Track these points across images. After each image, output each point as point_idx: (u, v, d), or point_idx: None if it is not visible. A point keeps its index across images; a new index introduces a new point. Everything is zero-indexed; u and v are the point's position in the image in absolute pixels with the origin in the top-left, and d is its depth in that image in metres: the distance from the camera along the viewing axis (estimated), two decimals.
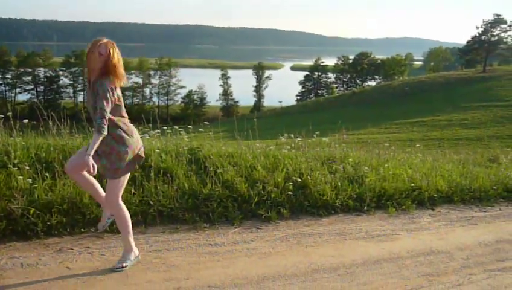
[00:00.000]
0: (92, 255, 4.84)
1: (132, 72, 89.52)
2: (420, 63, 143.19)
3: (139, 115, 7.38)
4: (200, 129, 8.47)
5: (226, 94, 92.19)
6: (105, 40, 4.44)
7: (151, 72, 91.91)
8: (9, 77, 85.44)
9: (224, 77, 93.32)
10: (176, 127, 8.16)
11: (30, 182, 5.46)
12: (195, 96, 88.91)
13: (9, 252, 4.76)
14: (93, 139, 4.24)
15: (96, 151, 4.28)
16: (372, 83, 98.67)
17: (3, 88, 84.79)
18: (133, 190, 5.89)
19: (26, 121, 6.91)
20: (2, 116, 6.77)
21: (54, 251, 4.83)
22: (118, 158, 4.44)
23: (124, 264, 4.61)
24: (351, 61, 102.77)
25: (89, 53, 4.39)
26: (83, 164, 4.30)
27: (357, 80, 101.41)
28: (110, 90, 4.28)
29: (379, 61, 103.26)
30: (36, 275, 4.37)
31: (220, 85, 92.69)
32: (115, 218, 4.71)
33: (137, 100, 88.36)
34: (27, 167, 5.63)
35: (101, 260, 4.77)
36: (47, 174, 5.70)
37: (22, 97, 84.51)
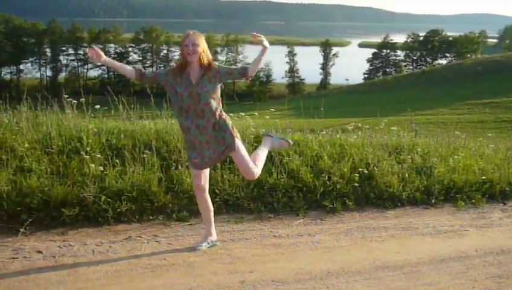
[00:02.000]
0: (160, 244, 4.97)
1: None
2: (495, 40, 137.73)
3: None
4: (267, 117, 8.48)
5: (292, 71, 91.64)
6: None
7: (218, 49, 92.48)
8: (82, 53, 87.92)
9: (291, 54, 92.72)
10: (242, 113, 8.18)
11: (101, 169, 5.64)
12: (261, 73, 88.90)
13: (82, 238, 4.96)
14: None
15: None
16: (443, 62, 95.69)
17: (76, 64, 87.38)
18: None
19: (97, 107, 7.14)
20: (75, 101, 6.97)
21: (123, 239, 4.99)
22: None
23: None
24: (421, 38, 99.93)
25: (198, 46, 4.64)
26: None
27: (427, 58, 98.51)
28: None
29: (451, 38, 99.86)
30: (106, 262, 4.53)
31: (286, 62, 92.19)
32: None
33: None
34: (98, 155, 5.81)
35: (168, 249, 4.88)
36: (117, 161, 5.87)
37: (93, 73, 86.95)
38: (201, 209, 4.97)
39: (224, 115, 4.76)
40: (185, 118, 4.61)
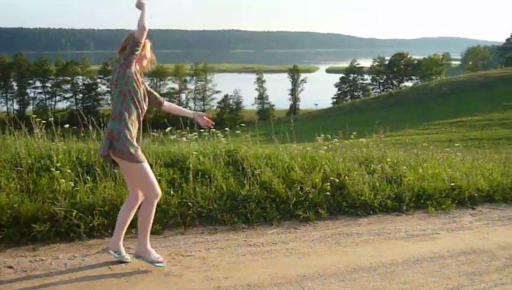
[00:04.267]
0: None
1: (168, 78, 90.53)
2: (458, 62, 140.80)
3: (177, 119, 7.43)
4: (238, 131, 8.50)
5: (261, 98, 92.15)
6: None
7: (187, 78, 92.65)
8: (49, 85, 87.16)
9: (260, 81, 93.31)
10: (213, 129, 8.20)
11: (72, 185, 5.58)
12: (231, 101, 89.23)
13: (53, 253, 4.88)
14: None
15: None
16: (409, 84, 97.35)
17: (44, 96, 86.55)
18: (172, 192, 5.96)
19: (67, 126, 7.09)
20: (44, 122, 6.94)
21: (96, 252, 4.92)
22: None
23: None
24: (387, 62, 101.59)
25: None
26: None
27: (394, 81, 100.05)
28: None
29: (416, 61, 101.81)
30: (80, 274, 4.47)
31: (256, 89, 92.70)
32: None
33: None
34: (69, 171, 5.76)
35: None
36: (88, 177, 5.82)
37: (62, 105, 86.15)
38: None
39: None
40: None
